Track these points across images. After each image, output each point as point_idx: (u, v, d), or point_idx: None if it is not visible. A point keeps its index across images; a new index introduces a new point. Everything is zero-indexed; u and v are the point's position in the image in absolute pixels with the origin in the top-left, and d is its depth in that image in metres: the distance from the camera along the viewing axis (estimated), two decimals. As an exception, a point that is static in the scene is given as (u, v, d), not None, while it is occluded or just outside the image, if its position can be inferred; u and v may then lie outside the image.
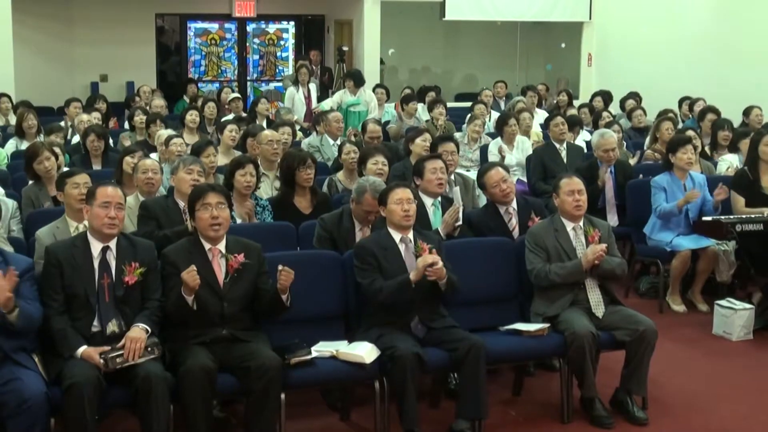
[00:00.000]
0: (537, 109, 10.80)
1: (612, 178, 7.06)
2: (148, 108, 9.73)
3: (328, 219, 5.10)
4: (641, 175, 7.16)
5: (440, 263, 4.36)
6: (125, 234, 4.28)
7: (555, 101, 11.76)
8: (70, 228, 4.83)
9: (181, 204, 5.10)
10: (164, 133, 7.58)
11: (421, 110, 10.80)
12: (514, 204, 5.48)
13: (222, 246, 4.23)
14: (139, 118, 8.82)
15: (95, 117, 8.83)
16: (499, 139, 8.31)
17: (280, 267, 4.10)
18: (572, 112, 10.42)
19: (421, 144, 6.60)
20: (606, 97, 11.52)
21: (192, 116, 8.86)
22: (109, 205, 4.07)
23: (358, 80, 10.68)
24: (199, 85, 14.87)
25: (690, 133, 7.30)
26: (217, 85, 15.08)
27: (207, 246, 4.22)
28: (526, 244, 4.90)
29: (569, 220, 4.89)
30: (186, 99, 12.31)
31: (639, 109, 9.95)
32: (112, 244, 4.10)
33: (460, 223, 5.29)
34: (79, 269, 4.01)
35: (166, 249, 4.24)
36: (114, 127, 9.97)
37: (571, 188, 4.87)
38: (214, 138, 8.47)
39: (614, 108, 11.06)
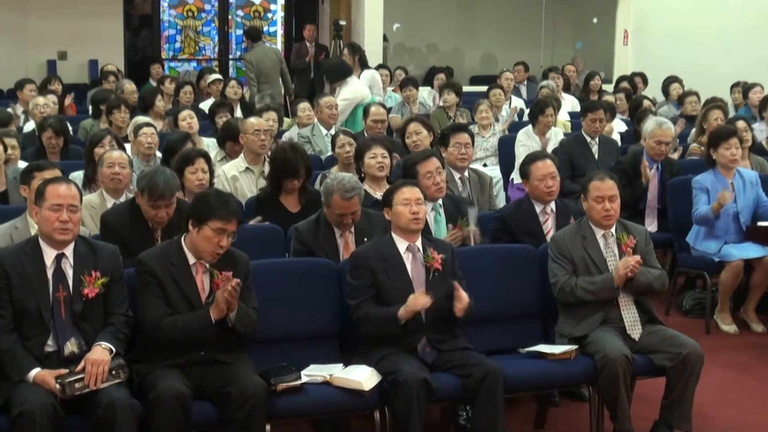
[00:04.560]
0: (564, 95, 10.82)
1: (657, 176, 7.05)
2: (119, 92, 9.73)
3: (303, 228, 5.07)
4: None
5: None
6: (84, 238, 4.27)
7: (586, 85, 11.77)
8: (31, 230, 4.81)
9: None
10: (140, 119, 7.57)
11: (427, 95, 10.81)
12: (553, 205, 5.49)
13: None
14: (121, 116, 8.31)
15: (51, 101, 8.81)
16: (529, 128, 8.31)
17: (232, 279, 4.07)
18: (608, 98, 10.43)
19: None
20: (636, 80, 11.49)
21: (161, 102, 8.89)
22: (60, 207, 4.04)
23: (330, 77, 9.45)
24: (173, 64, 14.90)
25: (740, 124, 7.27)
26: (195, 64, 15.10)
27: (192, 259, 4.22)
28: (549, 252, 4.90)
29: (599, 226, 4.89)
30: (152, 82, 12.32)
31: (693, 95, 9.94)
32: (68, 250, 4.09)
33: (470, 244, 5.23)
34: (29, 281, 4.00)
35: (143, 254, 4.23)
36: (71, 112, 9.97)
37: (601, 194, 4.83)
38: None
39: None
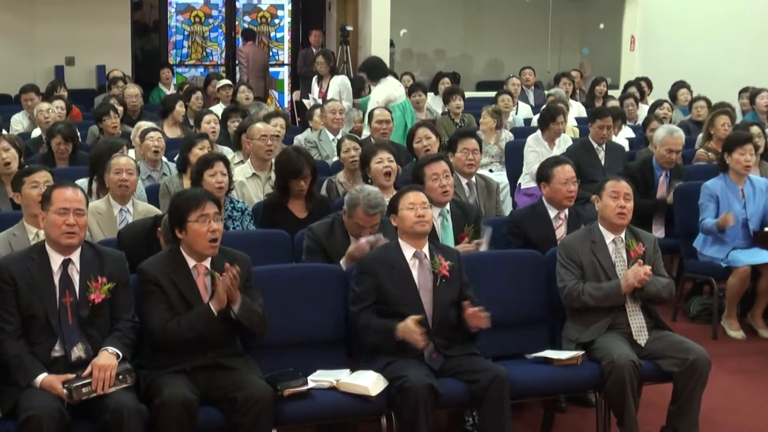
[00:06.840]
0: (571, 101, 10.81)
1: (666, 182, 7.04)
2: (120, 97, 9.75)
3: (317, 229, 5.09)
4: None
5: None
6: (90, 243, 4.28)
7: (591, 90, 11.75)
8: (29, 235, 4.84)
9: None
10: (144, 124, 7.59)
11: (431, 101, 10.81)
12: (566, 211, 5.48)
13: (208, 261, 4.24)
14: (111, 121, 8.15)
15: (58, 106, 8.79)
16: (538, 133, 8.30)
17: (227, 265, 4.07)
18: (613, 103, 10.42)
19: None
20: (643, 85, 11.47)
21: (182, 107, 8.93)
22: (67, 211, 4.05)
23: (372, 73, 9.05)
24: (180, 70, 14.94)
25: (754, 129, 7.24)
26: (202, 69, 15.13)
27: (191, 262, 4.22)
28: (558, 257, 4.90)
29: (609, 230, 4.88)
30: (162, 87, 12.34)
31: (702, 100, 9.93)
32: (75, 256, 4.10)
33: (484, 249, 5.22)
34: (36, 287, 4.00)
35: (143, 264, 4.24)
36: (77, 118, 9.97)
37: (617, 190, 4.86)
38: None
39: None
